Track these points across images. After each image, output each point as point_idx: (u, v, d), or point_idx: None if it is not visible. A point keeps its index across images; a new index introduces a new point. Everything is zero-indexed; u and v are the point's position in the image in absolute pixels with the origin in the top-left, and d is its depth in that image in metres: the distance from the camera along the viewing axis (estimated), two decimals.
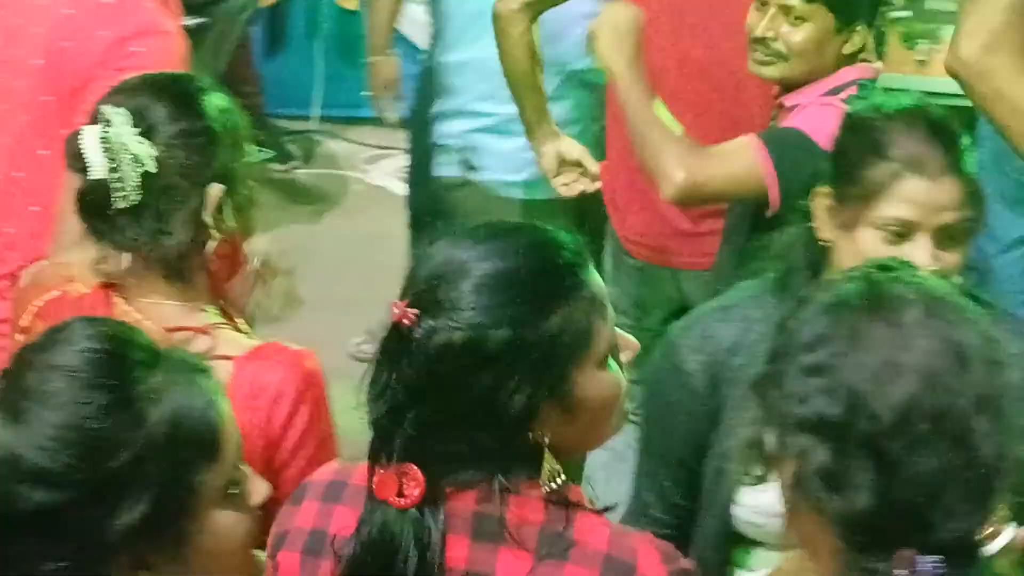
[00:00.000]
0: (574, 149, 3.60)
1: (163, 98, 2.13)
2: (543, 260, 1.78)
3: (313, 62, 7.03)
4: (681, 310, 3.50)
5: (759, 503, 2.12)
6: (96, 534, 1.56)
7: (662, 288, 3.55)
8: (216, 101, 2.16)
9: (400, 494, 1.73)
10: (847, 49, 3.06)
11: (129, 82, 2.20)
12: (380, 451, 1.75)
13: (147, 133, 2.08)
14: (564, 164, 3.60)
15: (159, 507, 1.58)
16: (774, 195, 2.96)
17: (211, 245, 2.12)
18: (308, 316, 5.29)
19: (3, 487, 1.55)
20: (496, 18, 3.62)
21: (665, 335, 2.36)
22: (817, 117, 2.99)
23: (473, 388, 1.72)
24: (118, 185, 2.07)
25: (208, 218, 2.11)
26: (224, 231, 2.13)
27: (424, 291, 1.74)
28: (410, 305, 1.73)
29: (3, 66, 2.98)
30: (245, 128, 2.20)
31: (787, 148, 2.98)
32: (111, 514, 1.56)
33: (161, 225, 2.10)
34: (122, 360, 1.63)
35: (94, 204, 2.10)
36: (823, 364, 1.49)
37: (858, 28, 3.06)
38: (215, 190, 2.11)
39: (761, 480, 1.62)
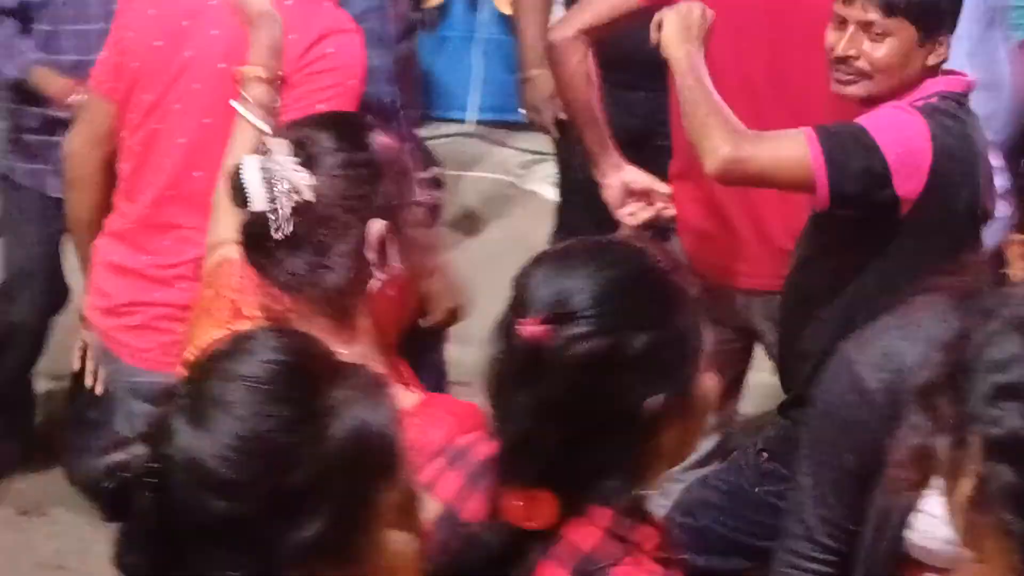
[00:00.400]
0: (640, 178, 3.54)
1: (327, 130, 2.10)
2: (653, 263, 1.82)
3: (470, 66, 7.04)
4: (738, 328, 3.52)
5: (933, 529, 2.07)
6: (273, 547, 1.54)
7: (725, 307, 3.48)
8: (382, 138, 2.13)
9: (528, 518, 1.75)
10: (931, 61, 3.01)
11: (297, 118, 2.19)
12: (511, 477, 1.76)
13: (308, 163, 2.05)
14: (631, 195, 3.55)
15: (337, 523, 1.55)
16: (822, 187, 2.94)
17: (373, 284, 2.07)
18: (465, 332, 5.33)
19: (184, 493, 1.54)
20: (551, 47, 3.60)
21: (837, 355, 2.30)
22: (883, 116, 2.97)
23: (614, 395, 1.74)
24: (276, 215, 2.04)
25: (370, 255, 2.07)
26: (388, 271, 2.08)
27: (552, 304, 1.75)
28: (541, 322, 1.74)
29: (168, 66, 3.07)
30: (413, 168, 2.16)
31: (842, 142, 2.95)
32: (289, 528, 1.54)
33: (320, 259, 2.06)
34: (306, 372, 1.61)
35: (255, 237, 2.08)
36: (1018, 385, 1.45)
37: (941, 39, 3.01)
38: (377, 225, 2.06)
39: (922, 487, 1.59)
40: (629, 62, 4.16)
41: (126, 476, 1.55)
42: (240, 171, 2.06)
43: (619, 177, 3.56)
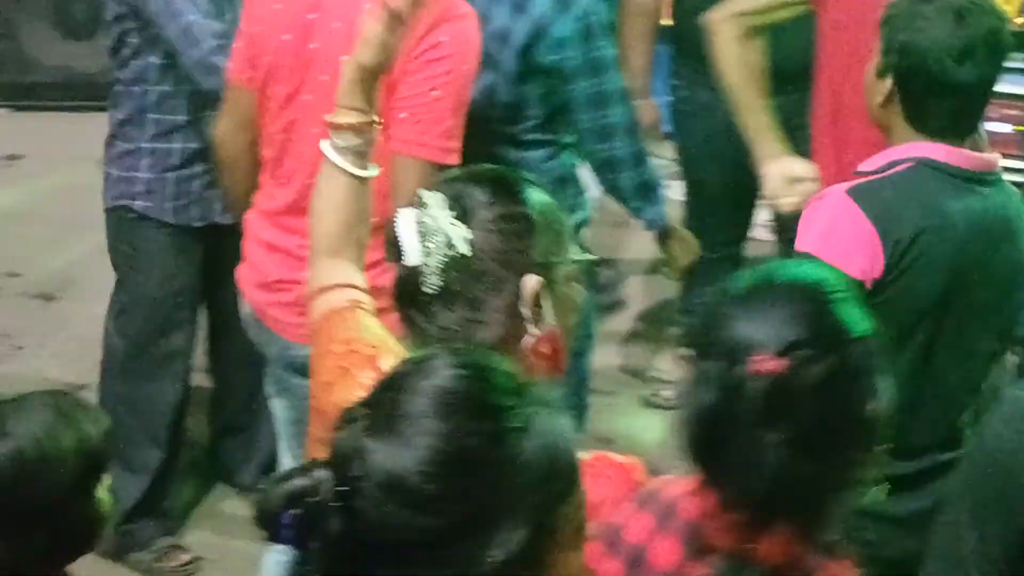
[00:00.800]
0: (799, 166, 3.48)
1: (482, 184, 2.07)
2: (829, 273, 1.90)
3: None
4: None
5: None
6: (471, 563, 1.51)
7: None
8: (537, 194, 2.10)
9: (782, 555, 1.78)
10: (878, 97, 2.84)
11: (450, 172, 2.17)
12: (763, 519, 1.78)
13: (463, 216, 2.02)
14: (791, 183, 3.50)
15: (533, 537, 1.53)
16: None
17: (527, 341, 2.04)
18: (603, 343, 5.33)
19: (381, 513, 1.52)
20: (707, 29, 3.59)
21: (1009, 404, 2.21)
22: (819, 231, 2.81)
23: (851, 410, 1.78)
24: (430, 269, 2.02)
25: (525, 311, 2.03)
26: (542, 328, 2.04)
27: (777, 337, 1.77)
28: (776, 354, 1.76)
29: (297, 59, 3.14)
30: (567, 226, 2.12)
31: None
32: (487, 543, 1.51)
33: (474, 314, 2.03)
34: (495, 387, 1.60)
35: (409, 291, 2.05)
36: None
37: (886, 80, 2.81)
38: (532, 281, 2.02)
39: None
40: (768, 67, 4.14)
41: (313, 502, 1.53)
42: (395, 224, 2.04)
43: (779, 167, 3.49)
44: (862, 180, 2.80)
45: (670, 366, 5.25)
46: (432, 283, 2.01)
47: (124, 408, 4.17)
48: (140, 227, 4.12)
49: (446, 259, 2.01)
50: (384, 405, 1.58)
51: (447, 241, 2.01)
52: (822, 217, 2.80)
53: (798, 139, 3.70)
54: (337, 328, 2.22)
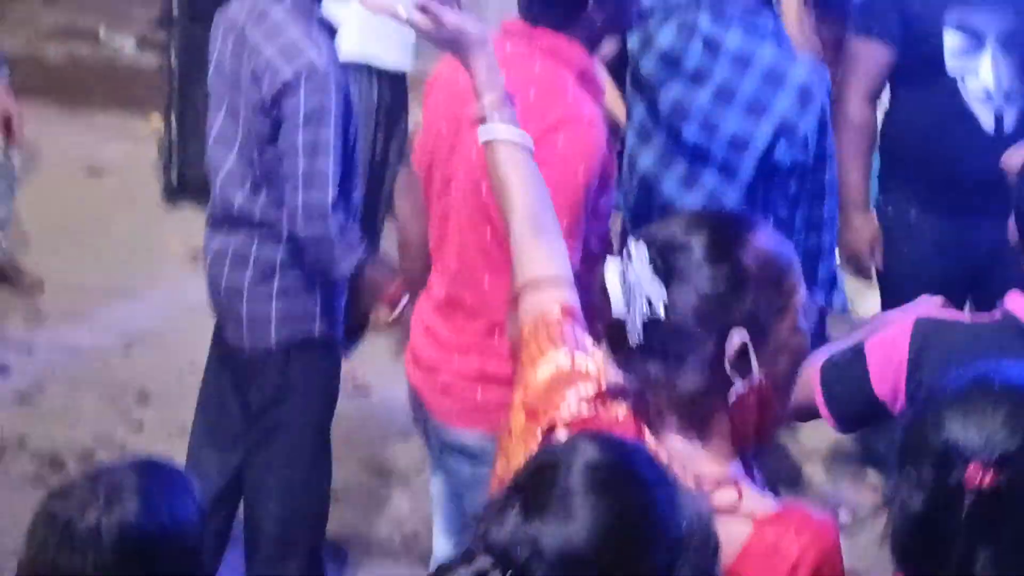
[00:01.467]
0: None
1: (699, 235, 2.02)
2: None
3: None
4: None
5: None
6: None
7: None
8: (762, 242, 2.03)
9: None
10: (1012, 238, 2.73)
11: (675, 216, 2.12)
12: None
13: (668, 273, 1.98)
14: None
15: None
16: (830, 420, 2.74)
17: (733, 393, 1.99)
18: None
19: None
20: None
21: None
22: (887, 331, 2.70)
23: None
24: (632, 324, 2.00)
25: (728, 366, 1.98)
26: (749, 380, 1.99)
27: (993, 444, 1.73)
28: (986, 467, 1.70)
29: (449, 150, 3.24)
30: (793, 274, 2.06)
31: (837, 378, 2.73)
32: None
33: (674, 368, 2.00)
34: (639, 461, 1.63)
35: (615, 338, 2.04)
36: None
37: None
38: (738, 337, 1.97)
39: None
40: (971, 183, 3.95)
41: None
42: (604, 274, 2.04)
43: None
44: (949, 314, 2.73)
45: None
46: (634, 337, 2.00)
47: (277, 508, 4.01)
48: (311, 353, 3.82)
49: (640, 314, 1.99)
50: (537, 488, 1.58)
51: (646, 300, 1.98)
52: (895, 323, 2.73)
53: (998, 268, 3.54)
54: (545, 341, 2.22)
